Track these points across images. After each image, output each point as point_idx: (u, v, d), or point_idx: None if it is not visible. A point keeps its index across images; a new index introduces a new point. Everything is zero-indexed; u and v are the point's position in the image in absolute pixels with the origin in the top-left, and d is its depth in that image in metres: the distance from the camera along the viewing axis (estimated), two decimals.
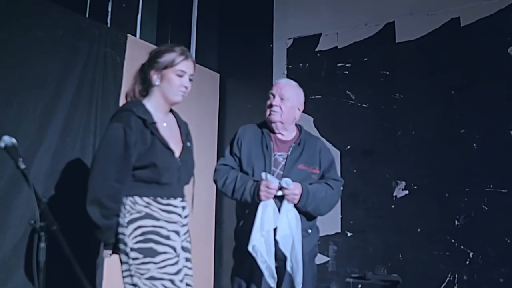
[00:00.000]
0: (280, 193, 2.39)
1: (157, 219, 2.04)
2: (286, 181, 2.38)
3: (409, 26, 4.02)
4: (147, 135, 2.05)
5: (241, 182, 2.46)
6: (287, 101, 2.58)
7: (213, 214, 4.63)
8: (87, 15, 3.80)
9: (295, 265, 2.35)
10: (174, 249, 2.06)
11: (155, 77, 2.14)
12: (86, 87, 3.43)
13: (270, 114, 2.58)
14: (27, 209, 2.81)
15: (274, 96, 2.59)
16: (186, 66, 2.15)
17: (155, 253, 1.99)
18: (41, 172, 3.03)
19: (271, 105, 2.58)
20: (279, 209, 2.39)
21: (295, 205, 2.42)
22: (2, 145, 1.74)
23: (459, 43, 3.78)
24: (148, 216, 2.02)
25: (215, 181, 2.57)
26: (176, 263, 2.04)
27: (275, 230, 2.35)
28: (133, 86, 2.24)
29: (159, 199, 2.06)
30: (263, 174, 2.41)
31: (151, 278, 1.96)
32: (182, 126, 2.28)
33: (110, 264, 3.27)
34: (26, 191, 2.69)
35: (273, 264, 2.33)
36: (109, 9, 4.01)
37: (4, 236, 2.80)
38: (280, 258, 2.37)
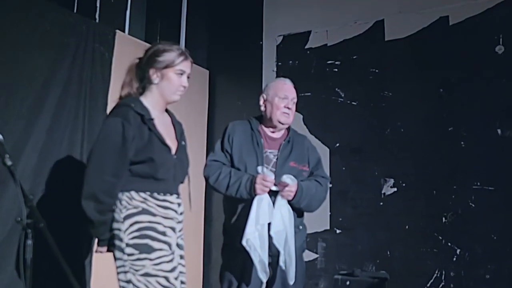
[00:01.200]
0: (275, 188, 2.40)
1: (153, 214, 2.03)
2: (292, 178, 2.39)
3: (398, 24, 4.04)
4: (144, 130, 2.05)
5: (236, 177, 2.45)
6: (295, 104, 2.65)
7: (202, 211, 4.61)
8: (75, 10, 3.75)
9: (288, 260, 2.35)
10: (170, 245, 2.05)
11: (154, 76, 2.14)
12: (74, 83, 3.39)
13: (285, 116, 2.59)
14: (14, 206, 2.77)
15: (287, 99, 2.60)
16: (185, 66, 2.17)
17: (150, 250, 1.97)
18: (28, 168, 2.99)
19: (287, 108, 2.59)
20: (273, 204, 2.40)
21: (289, 201, 2.43)
22: None
23: (447, 42, 3.81)
24: (144, 211, 2.01)
25: (206, 177, 2.54)
26: (171, 260, 2.03)
27: (269, 225, 2.35)
28: (130, 83, 2.21)
29: (155, 194, 2.05)
30: (259, 168, 2.42)
31: (146, 274, 1.95)
32: (177, 126, 2.29)
33: (99, 261, 3.25)
34: (13, 188, 2.66)
35: (266, 259, 2.33)
36: (98, 5, 3.96)
37: None
38: (273, 254, 2.38)
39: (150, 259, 1.96)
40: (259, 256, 2.32)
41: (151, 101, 2.15)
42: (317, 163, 2.69)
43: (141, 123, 2.04)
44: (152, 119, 2.09)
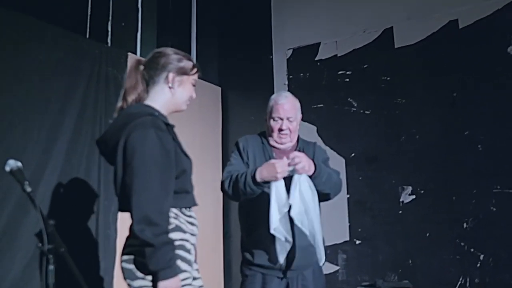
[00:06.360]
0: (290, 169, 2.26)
1: (184, 231, 1.91)
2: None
3: (407, 30, 4.03)
4: (171, 140, 1.91)
5: (243, 171, 2.38)
6: (294, 121, 2.55)
7: (220, 227, 4.61)
8: (87, 36, 3.83)
9: (312, 240, 2.29)
10: (191, 264, 1.95)
11: (174, 80, 2.00)
12: (89, 106, 3.45)
13: (281, 138, 2.54)
14: (35, 231, 2.81)
15: (281, 119, 2.53)
16: (197, 77, 2.10)
17: (179, 270, 1.84)
18: (48, 194, 3.04)
19: (280, 129, 2.53)
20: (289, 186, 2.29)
21: (310, 177, 2.32)
22: (8, 169, 1.73)
23: (458, 45, 3.79)
24: (177, 228, 1.88)
25: (223, 183, 2.46)
26: (190, 284, 1.92)
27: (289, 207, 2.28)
28: (135, 86, 2.02)
29: (183, 210, 1.94)
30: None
31: None
32: None
33: (120, 284, 3.26)
34: (33, 214, 2.70)
35: (290, 239, 2.28)
36: (109, 29, 4.04)
37: (13, 259, 2.80)
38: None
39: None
40: (286, 238, 2.27)
41: (163, 107, 2.00)
42: (324, 161, 2.61)
43: (167, 132, 1.90)
44: (173, 126, 1.97)
